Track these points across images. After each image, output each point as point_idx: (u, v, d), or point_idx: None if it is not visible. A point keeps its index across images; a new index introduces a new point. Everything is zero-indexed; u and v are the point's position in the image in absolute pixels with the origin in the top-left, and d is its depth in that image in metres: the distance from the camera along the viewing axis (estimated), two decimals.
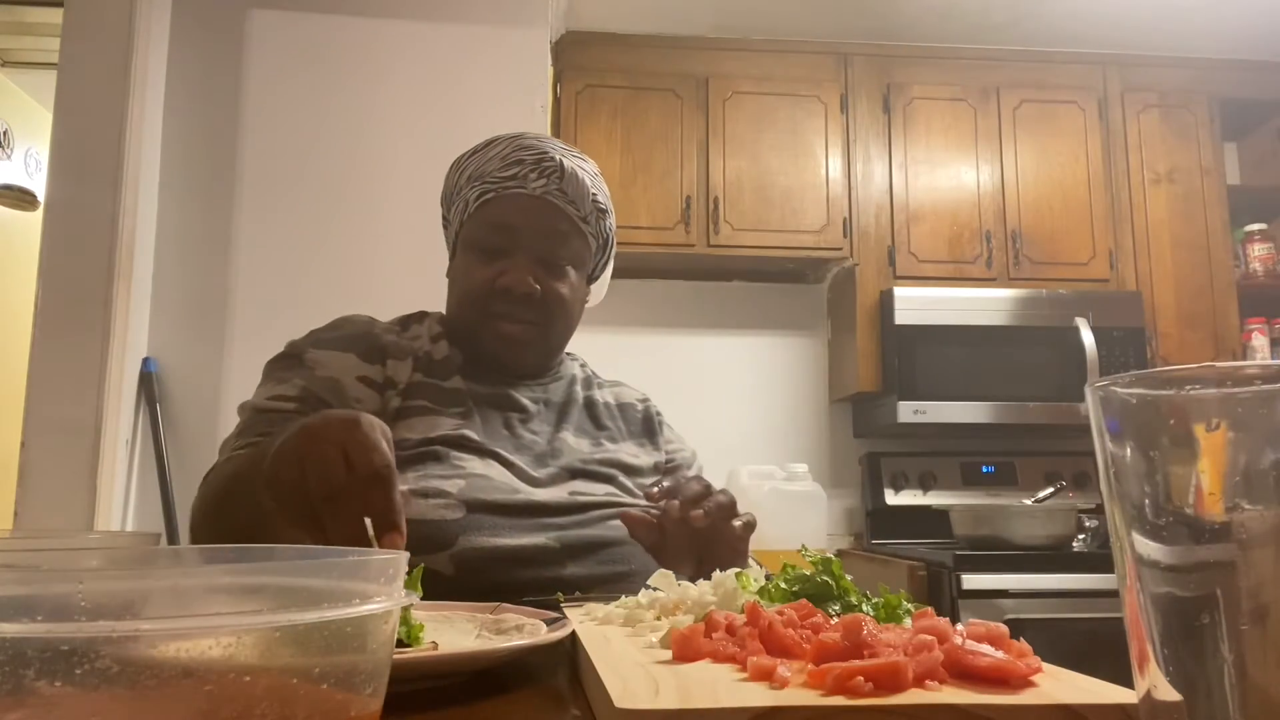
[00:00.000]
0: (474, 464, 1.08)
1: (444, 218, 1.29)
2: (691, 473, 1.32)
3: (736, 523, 0.97)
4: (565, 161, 1.18)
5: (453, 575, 1.00)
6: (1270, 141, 3.33)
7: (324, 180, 2.48)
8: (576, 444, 1.20)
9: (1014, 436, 3.11)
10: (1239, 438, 0.29)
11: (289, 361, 1.13)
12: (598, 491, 1.15)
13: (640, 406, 1.33)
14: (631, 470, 1.21)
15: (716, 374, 3.22)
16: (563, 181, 1.17)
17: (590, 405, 1.27)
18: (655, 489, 1.00)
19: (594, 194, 1.20)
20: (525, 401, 1.20)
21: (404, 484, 1.03)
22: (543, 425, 1.20)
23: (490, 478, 1.07)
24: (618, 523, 1.07)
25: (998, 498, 2.96)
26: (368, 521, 0.68)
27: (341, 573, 0.34)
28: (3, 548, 0.63)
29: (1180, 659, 0.30)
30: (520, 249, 1.17)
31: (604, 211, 1.23)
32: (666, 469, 1.29)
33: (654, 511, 0.98)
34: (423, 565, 0.64)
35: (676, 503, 0.96)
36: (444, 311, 1.28)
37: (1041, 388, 2.86)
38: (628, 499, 1.17)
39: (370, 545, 0.67)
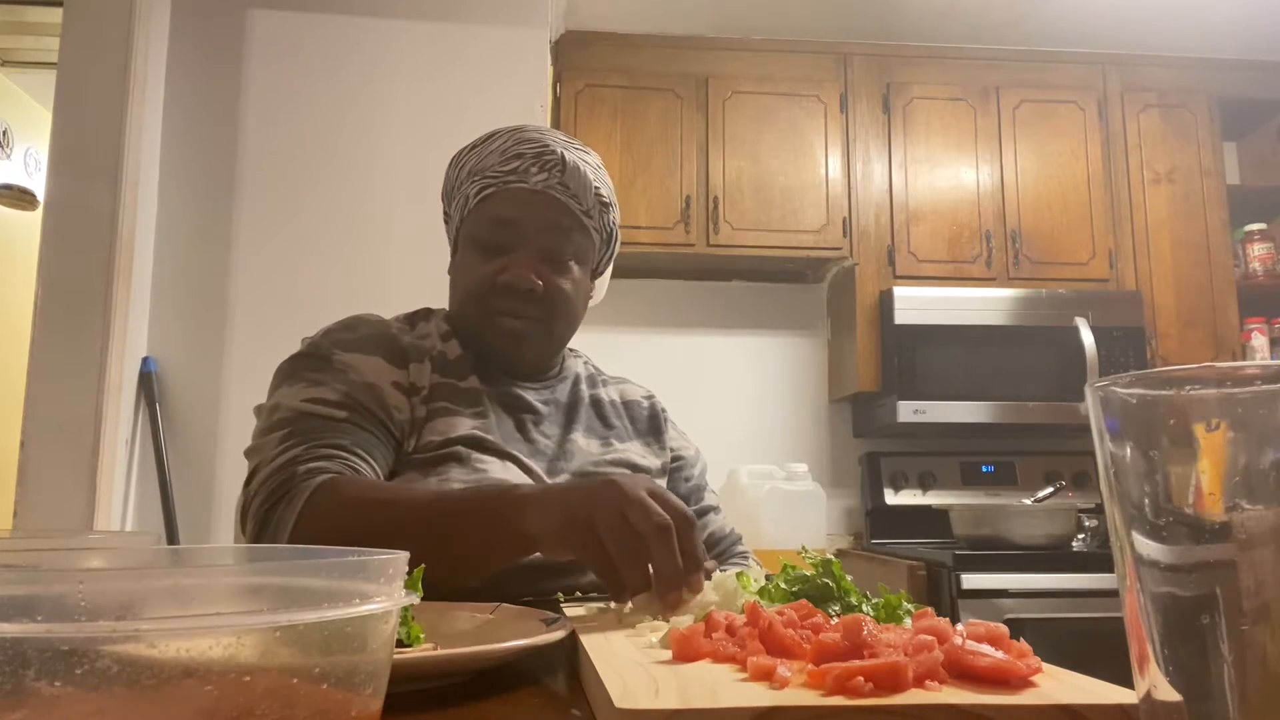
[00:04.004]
0: (494, 466, 1.07)
1: (445, 213, 1.27)
2: (696, 471, 1.32)
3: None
4: (567, 154, 1.16)
5: (480, 587, 0.99)
6: (1270, 141, 3.33)
7: (323, 179, 2.48)
8: (586, 445, 1.19)
9: (1014, 436, 3.12)
10: (1239, 438, 0.29)
11: (316, 363, 1.09)
12: None
13: (646, 404, 1.32)
14: (640, 471, 1.21)
15: (716, 374, 3.22)
16: (564, 175, 1.15)
17: (597, 404, 1.26)
18: None
19: (597, 187, 1.18)
20: (535, 403, 1.19)
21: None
22: (553, 427, 1.19)
23: (511, 483, 1.07)
24: None
25: (997, 497, 2.96)
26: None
27: (341, 573, 0.34)
28: (3, 548, 0.63)
29: (1180, 659, 0.30)
30: (522, 244, 1.15)
31: (607, 205, 1.21)
32: (672, 469, 1.28)
33: None
34: (423, 566, 0.64)
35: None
36: (446, 309, 1.27)
37: (1041, 388, 2.86)
38: None
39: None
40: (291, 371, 1.09)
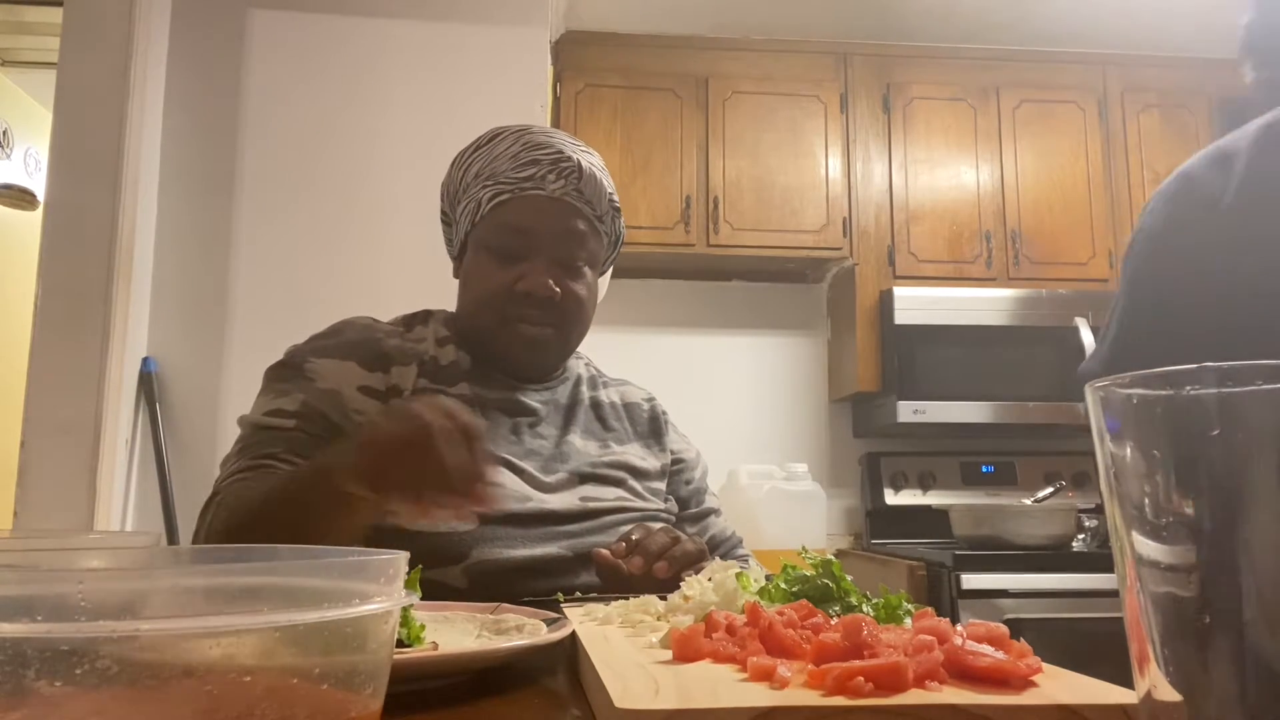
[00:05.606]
0: None
1: (443, 212, 1.26)
2: (697, 474, 1.32)
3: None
4: (582, 161, 1.16)
5: (465, 588, 0.99)
6: None
7: (324, 180, 2.48)
8: (584, 447, 1.19)
9: (1014, 436, 3.11)
10: (1239, 438, 0.29)
11: (288, 372, 1.11)
12: (608, 496, 1.14)
13: (646, 406, 1.32)
14: (639, 473, 1.21)
15: (716, 374, 3.22)
16: (580, 182, 1.15)
17: (596, 406, 1.26)
18: (622, 543, 0.98)
19: (610, 192, 1.20)
20: (533, 405, 1.19)
21: None
22: (550, 429, 1.19)
23: (502, 485, 1.07)
24: (628, 528, 1.07)
25: (997, 497, 2.96)
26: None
27: (341, 573, 0.34)
28: (3, 548, 0.63)
29: (1180, 659, 0.30)
30: (539, 251, 1.14)
31: (618, 209, 1.23)
32: (672, 471, 1.28)
33: (622, 556, 0.97)
34: (421, 567, 0.64)
35: (639, 559, 0.95)
36: (451, 311, 1.26)
37: (1041, 388, 2.86)
38: (637, 503, 1.17)
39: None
40: (266, 382, 1.13)
